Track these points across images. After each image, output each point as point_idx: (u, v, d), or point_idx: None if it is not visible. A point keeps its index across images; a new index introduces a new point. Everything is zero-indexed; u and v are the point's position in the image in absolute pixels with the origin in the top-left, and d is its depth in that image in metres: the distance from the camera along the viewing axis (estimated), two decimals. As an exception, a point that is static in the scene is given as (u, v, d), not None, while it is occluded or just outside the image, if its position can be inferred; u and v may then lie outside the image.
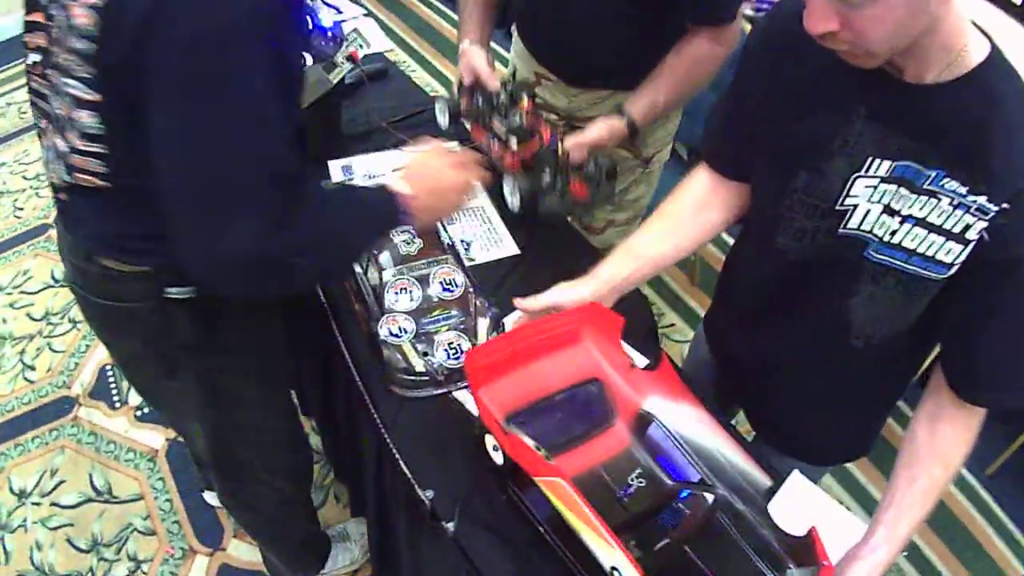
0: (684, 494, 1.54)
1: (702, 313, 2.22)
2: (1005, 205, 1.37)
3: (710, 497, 1.54)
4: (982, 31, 1.40)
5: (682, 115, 2.81)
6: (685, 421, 1.66)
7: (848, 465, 3.65)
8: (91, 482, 3.36)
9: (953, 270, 1.46)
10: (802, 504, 1.73)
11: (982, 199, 1.38)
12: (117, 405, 3.61)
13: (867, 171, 1.50)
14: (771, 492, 1.66)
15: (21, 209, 4.86)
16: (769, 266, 1.77)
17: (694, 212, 1.90)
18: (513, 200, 2.27)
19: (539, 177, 2.24)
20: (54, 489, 3.35)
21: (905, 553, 3.46)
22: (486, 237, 2.34)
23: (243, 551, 3.12)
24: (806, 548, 1.45)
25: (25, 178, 5.14)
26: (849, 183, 1.52)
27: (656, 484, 1.58)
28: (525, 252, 2.29)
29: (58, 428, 3.55)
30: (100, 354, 3.83)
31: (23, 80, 5.86)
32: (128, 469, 3.40)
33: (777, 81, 1.63)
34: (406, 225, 1.75)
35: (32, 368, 3.82)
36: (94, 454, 3.45)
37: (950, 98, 1.39)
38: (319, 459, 3.30)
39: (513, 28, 2.86)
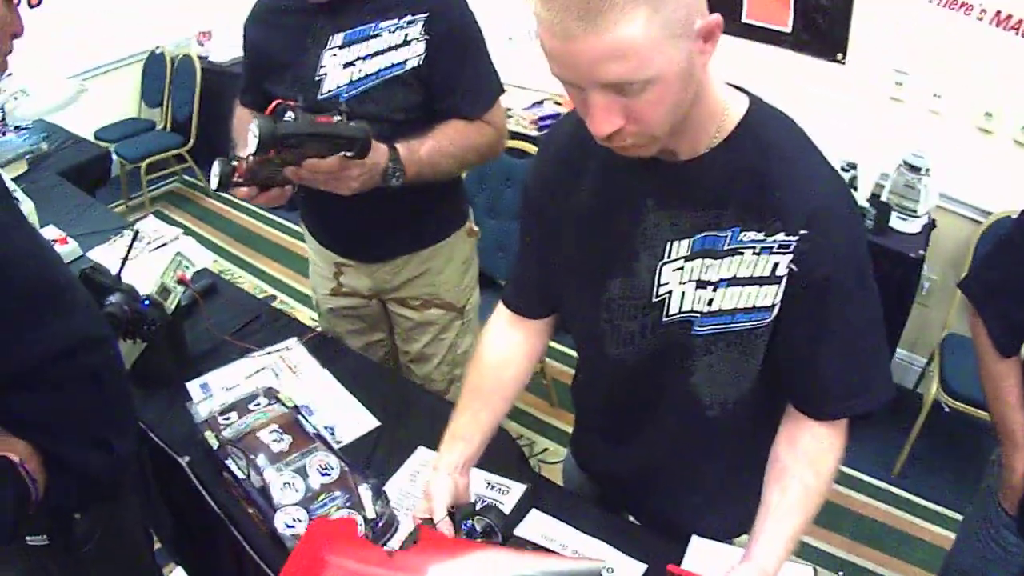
0: None
1: (569, 429, 2.39)
2: (803, 232, 1.51)
3: None
4: (735, 86, 1.60)
5: (493, 254, 3.08)
6: (478, 567, 1.68)
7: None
8: None
9: (776, 311, 1.61)
10: (711, 561, 1.87)
11: (780, 236, 1.53)
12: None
13: (669, 256, 1.63)
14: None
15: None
16: (611, 379, 1.92)
17: (497, 378, 2.03)
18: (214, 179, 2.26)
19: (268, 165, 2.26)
20: None
21: (840, 573, 3.68)
22: (346, 418, 2.52)
23: None
24: None
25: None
26: (657, 273, 1.66)
27: None
28: (384, 423, 2.48)
29: None
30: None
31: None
32: None
33: (566, 205, 1.77)
34: None
35: None
36: None
37: (726, 159, 1.54)
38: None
39: (304, 230, 3.08)
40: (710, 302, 1.64)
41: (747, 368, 1.72)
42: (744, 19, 4.62)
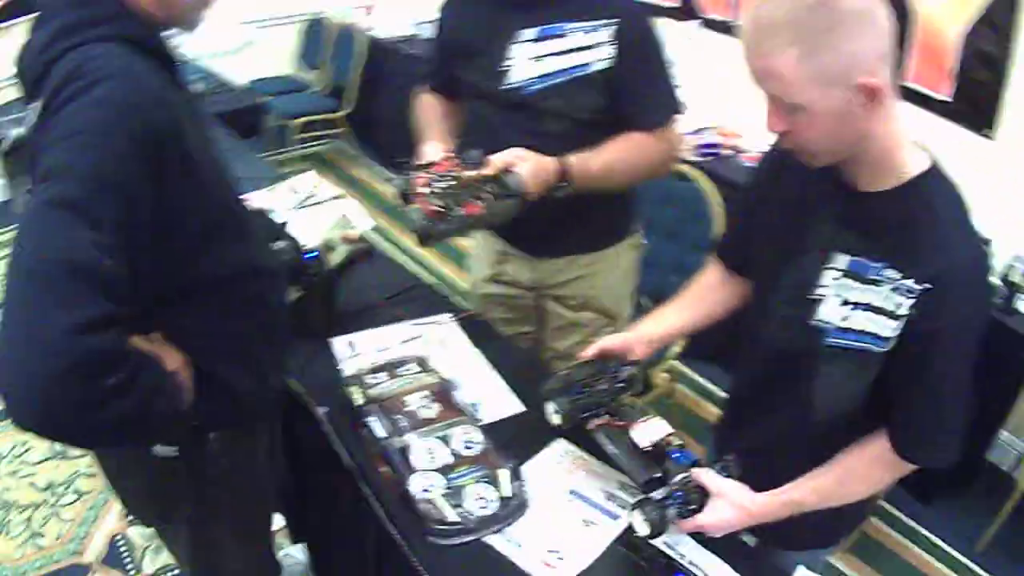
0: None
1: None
2: (927, 285, 1.70)
3: None
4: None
5: (644, 268, 3.10)
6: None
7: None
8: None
9: (891, 344, 1.79)
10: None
11: (910, 282, 1.72)
12: (132, 573, 3.66)
13: (832, 264, 1.86)
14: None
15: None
16: (757, 356, 2.16)
17: (707, 292, 2.37)
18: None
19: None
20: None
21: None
22: (491, 398, 2.55)
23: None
24: None
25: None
26: (820, 273, 1.88)
27: None
28: (529, 410, 2.48)
29: (74, 594, 3.63)
30: (110, 523, 3.90)
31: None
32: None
33: (776, 192, 2.05)
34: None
35: (41, 535, 3.84)
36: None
37: (891, 202, 1.76)
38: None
39: None
40: (844, 318, 1.85)
41: (858, 386, 1.91)
42: (907, 82, 4.58)
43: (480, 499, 2.11)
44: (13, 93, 5.44)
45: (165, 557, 3.63)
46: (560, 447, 2.36)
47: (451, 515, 2.07)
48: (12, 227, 6.16)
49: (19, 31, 6.06)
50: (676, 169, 3.98)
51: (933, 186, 1.76)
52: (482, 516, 2.08)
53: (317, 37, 8.22)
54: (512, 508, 2.11)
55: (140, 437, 1.84)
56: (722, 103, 5.03)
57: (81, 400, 1.41)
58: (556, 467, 2.30)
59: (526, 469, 2.24)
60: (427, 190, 2.35)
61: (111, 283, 1.43)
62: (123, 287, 1.46)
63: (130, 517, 3.76)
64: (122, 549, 3.79)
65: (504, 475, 2.16)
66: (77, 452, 4.29)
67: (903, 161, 1.75)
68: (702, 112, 5.06)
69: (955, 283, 1.71)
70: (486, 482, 2.15)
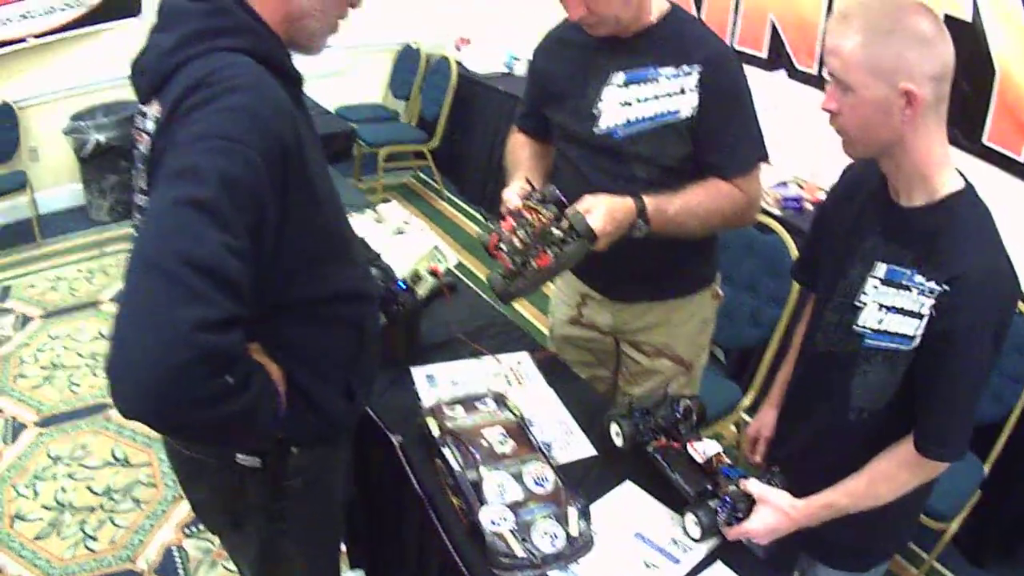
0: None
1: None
2: (945, 287, 1.91)
3: None
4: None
5: (721, 318, 3.12)
6: None
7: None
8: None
9: (916, 341, 1.99)
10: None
11: (932, 283, 1.94)
12: (184, 584, 3.68)
13: (874, 272, 2.08)
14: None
15: (77, 385, 5.02)
16: (805, 360, 2.43)
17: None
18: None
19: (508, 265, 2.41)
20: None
21: None
22: (564, 440, 2.57)
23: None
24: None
25: (80, 355, 5.31)
26: (864, 282, 2.10)
27: None
28: (600, 454, 2.50)
29: (123, 603, 3.68)
30: (167, 534, 3.92)
31: (72, 256, 6.14)
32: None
33: (840, 215, 2.28)
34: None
35: (94, 539, 3.89)
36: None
37: (922, 216, 1.99)
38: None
39: None
40: (880, 321, 2.06)
41: (890, 383, 2.10)
42: (985, 140, 4.44)
43: (548, 536, 2.13)
44: (89, 100, 5.51)
45: (219, 572, 3.71)
46: (628, 489, 2.39)
47: (518, 550, 2.09)
48: (89, 230, 6.38)
49: (108, 36, 6.27)
50: (758, 221, 3.99)
51: (962, 204, 1.97)
52: (549, 553, 2.10)
53: (408, 67, 8.35)
54: (578, 546, 2.14)
55: (240, 440, 1.90)
56: (806, 156, 5.02)
57: (197, 396, 1.44)
58: (623, 509, 2.32)
59: (594, 509, 2.26)
60: (504, 247, 2.41)
61: (236, 285, 1.47)
62: (246, 291, 1.49)
63: (186, 529, 3.84)
64: (176, 560, 3.81)
65: (573, 514, 2.17)
66: (138, 461, 4.41)
67: (939, 181, 1.97)
68: (786, 164, 5.05)
69: (970, 287, 1.90)
70: (555, 519, 2.17)
